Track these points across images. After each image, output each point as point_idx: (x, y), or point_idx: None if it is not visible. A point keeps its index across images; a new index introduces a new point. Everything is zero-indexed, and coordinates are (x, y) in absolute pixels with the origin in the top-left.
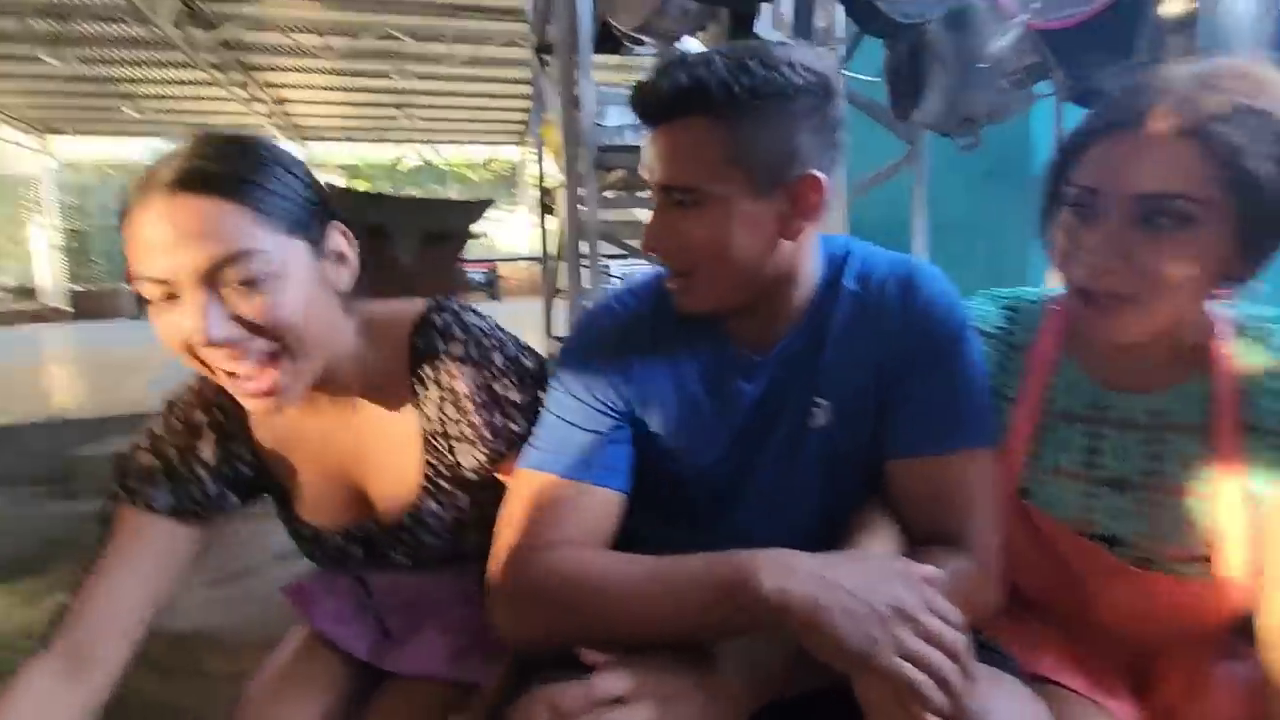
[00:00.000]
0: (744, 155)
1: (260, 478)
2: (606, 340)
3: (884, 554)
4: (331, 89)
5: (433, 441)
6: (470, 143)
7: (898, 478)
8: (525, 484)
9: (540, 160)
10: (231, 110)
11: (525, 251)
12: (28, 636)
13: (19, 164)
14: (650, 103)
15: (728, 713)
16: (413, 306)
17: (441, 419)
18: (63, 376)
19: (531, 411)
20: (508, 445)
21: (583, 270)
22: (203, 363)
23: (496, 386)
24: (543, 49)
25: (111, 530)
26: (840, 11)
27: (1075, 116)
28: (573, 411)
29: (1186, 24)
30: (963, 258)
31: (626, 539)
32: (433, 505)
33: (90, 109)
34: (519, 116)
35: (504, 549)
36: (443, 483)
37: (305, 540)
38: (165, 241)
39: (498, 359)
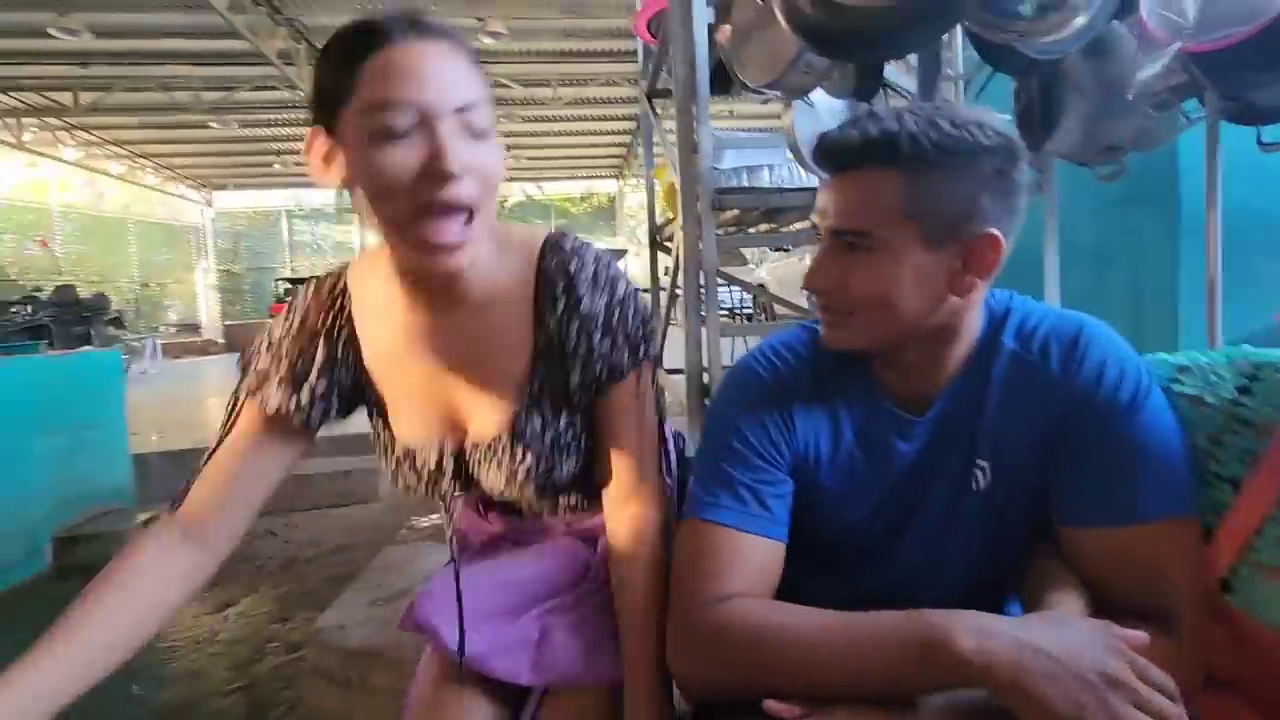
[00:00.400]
0: (923, 208)
1: (361, 388)
2: (767, 393)
3: (1082, 618)
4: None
5: (546, 355)
6: (570, 178)
7: (1074, 545)
8: (695, 534)
9: (650, 198)
10: None
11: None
12: (210, 640)
13: (186, 215)
14: (839, 152)
15: None
16: (541, 229)
17: (561, 336)
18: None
19: (641, 342)
20: (618, 371)
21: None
22: (411, 208)
23: (617, 312)
24: (654, 94)
25: (233, 419)
26: (961, 49)
27: (1233, 136)
28: (739, 463)
29: None
30: (1099, 289)
31: (794, 597)
32: (535, 421)
33: (246, 165)
34: (617, 151)
35: (679, 601)
36: (546, 399)
37: (399, 463)
38: (432, 74)
39: (622, 287)
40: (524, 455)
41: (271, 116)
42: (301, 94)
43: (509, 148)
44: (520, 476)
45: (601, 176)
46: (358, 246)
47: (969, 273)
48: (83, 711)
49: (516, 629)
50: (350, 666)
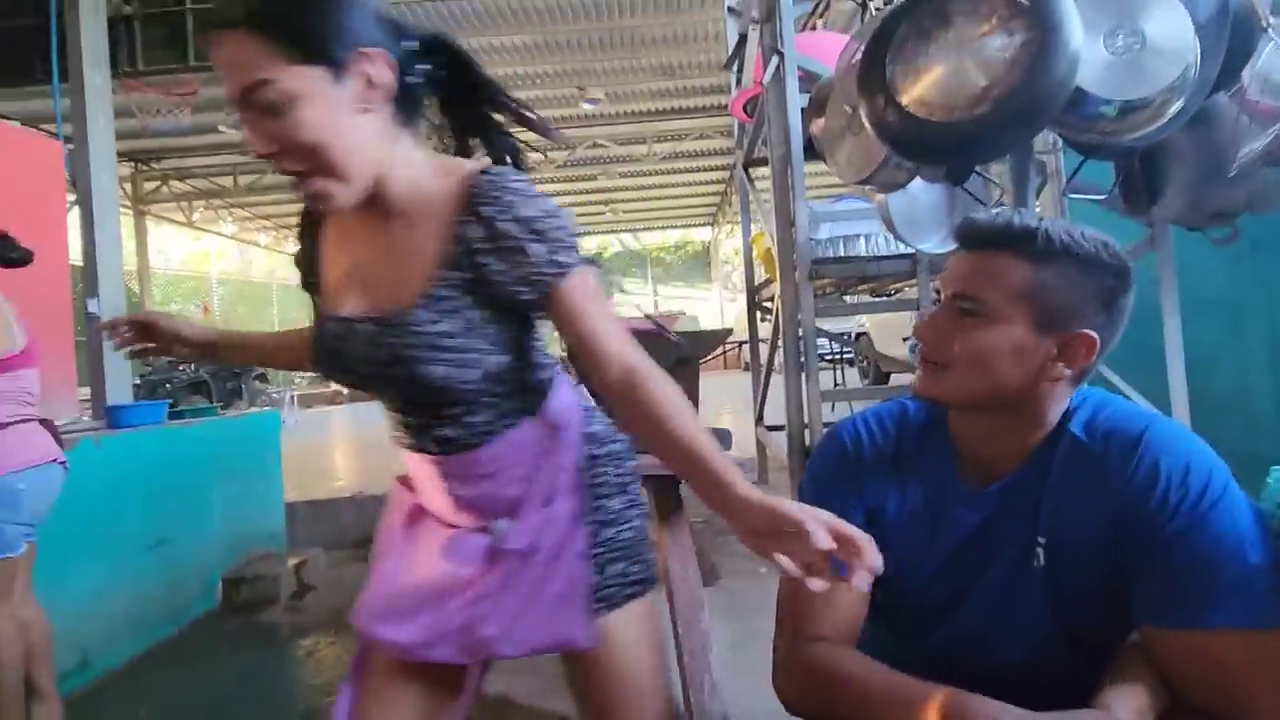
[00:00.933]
0: (1039, 296)
1: (317, 268)
2: (847, 458)
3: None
4: (551, 195)
5: (458, 261)
6: (665, 228)
7: (1148, 641)
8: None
9: (749, 259)
10: None
11: (719, 325)
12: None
13: None
14: (982, 233)
15: None
16: (482, 162)
17: (483, 243)
18: (353, 455)
19: (576, 247)
20: (563, 269)
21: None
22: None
23: (551, 222)
24: (750, 163)
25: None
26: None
27: None
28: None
29: None
30: (1229, 341)
31: (869, 647)
32: (421, 315)
33: None
34: (710, 201)
35: (782, 634)
36: (445, 300)
37: (316, 342)
38: (225, 67)
39: (551, 205)
40: (404, 338)
41: None
42: None
43: (607, 202)
44: (394, 358)
45: (695, 225)
46: None
47: (1061, 361)
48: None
49: (443, 619)
50: (485, 712)
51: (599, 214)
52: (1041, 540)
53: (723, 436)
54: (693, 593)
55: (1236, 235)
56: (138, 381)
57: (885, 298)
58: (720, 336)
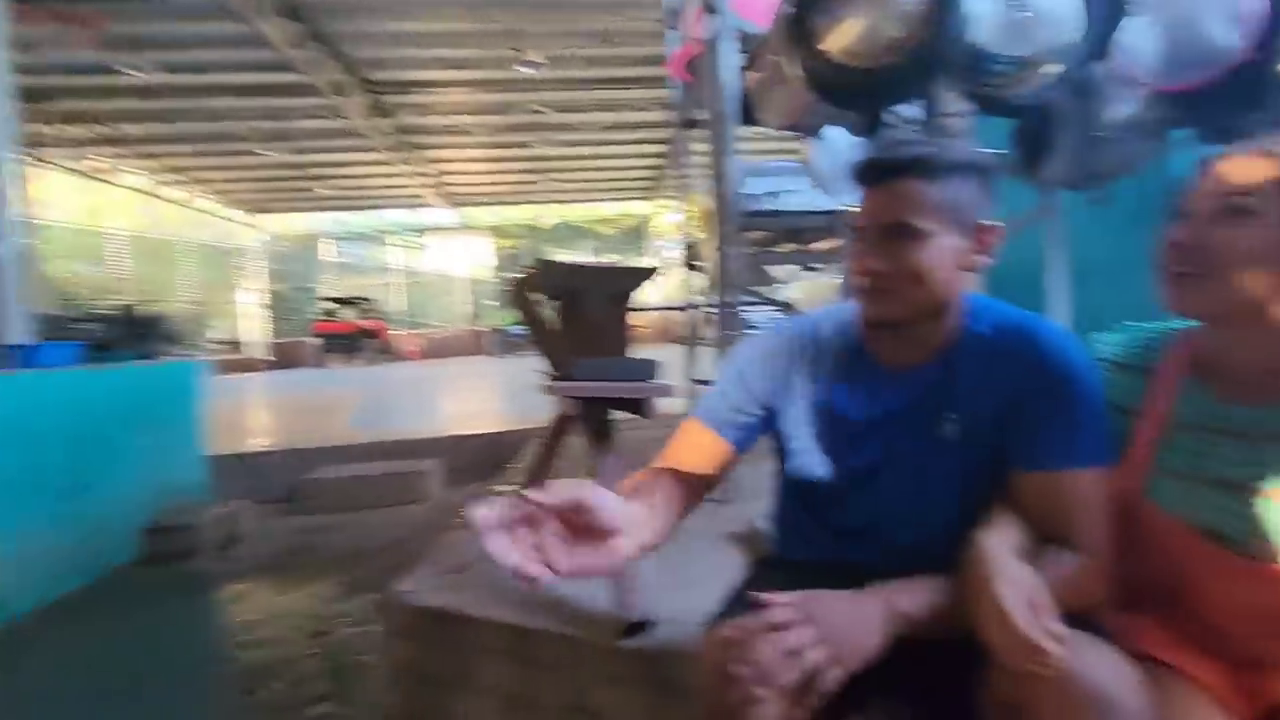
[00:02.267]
0: (950, 204)
1: None
2: (777, 345)
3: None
4: (482, 160)
5: None
6: (602, 200)
7: (1020, 490)
8: (684, 425)
9: (685, 221)
10: (400, 184)
11: (652, 301)
12: (286, 615)
13: (233, 238)
14: (878, 170)
15: (869, 644)
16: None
17: None
18: (279, 415)
19: None
20: None
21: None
22: None
23: None
24: (687, 125)
25: None
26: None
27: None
28: (730, 386)
29: None
30: (1107, 303)
31: (781, 527)
32: None
33: (292, 190)
34: (647, 174)
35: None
36: None
37: None
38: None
39: None
40: None
41: (318, 144)
42: (348, 121)
43: (543, 170)
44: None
45: (632, 198)
46: (394, 265)
47: (977, 252)
48: (177, 667)
49: None
50: (424, 623)
51: (532, 182)
52: (952, 415)
53: (646, 366)
54: None
55: (1108, 198)
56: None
57: (814, 258)
58: (647, 272)
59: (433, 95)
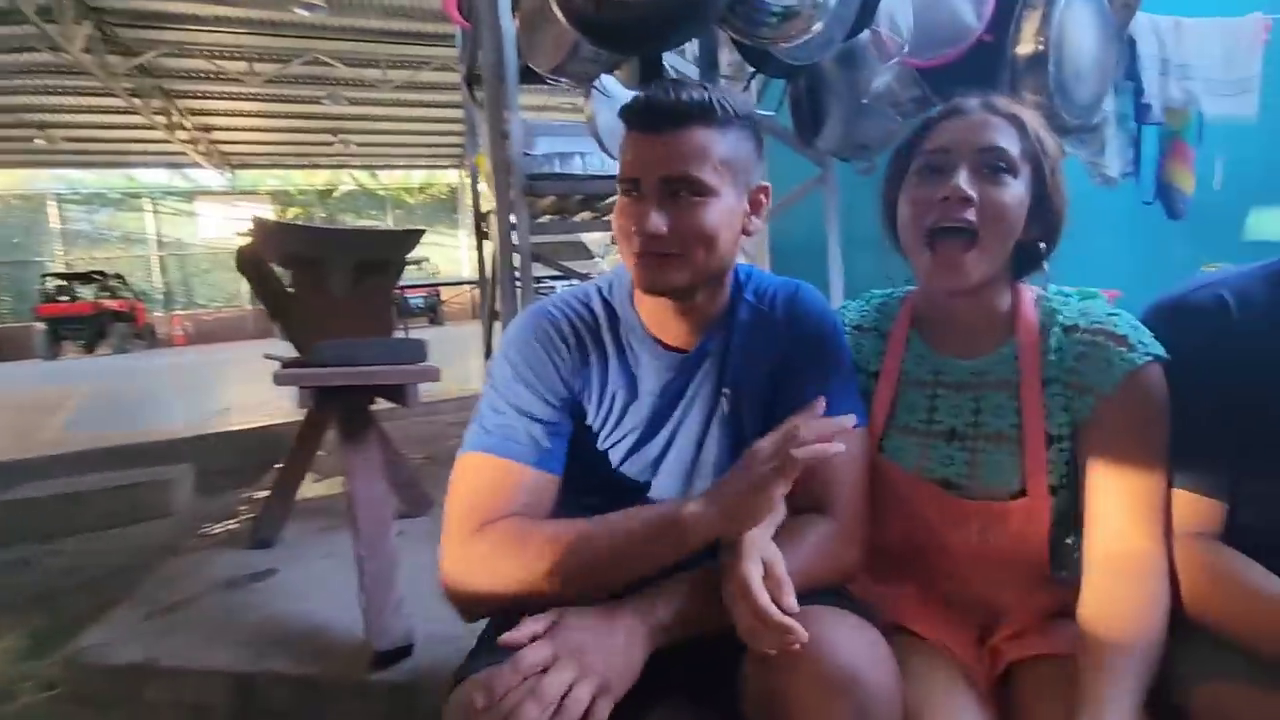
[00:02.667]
0: (731, 160)
1: None
2: (554, 335)
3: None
4: (260, 115)
5: None
6: (407, 167)
7: None
8: (475, 466)
9: (475, 186)
10: (152, 138)
11: (467, 275)
12: None
13: None
14: (664, 111)
15: (628, 659)
16: None
17: None
18: None
19: None
20: None
21: (517, 292)
22: None
23: None
24: (472, 79)
25: None
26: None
27: None
28: (522, 399)
29: (1037, 61)
30: (876, 273)
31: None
32: None
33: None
34: (457, 140)
35: (453, 525)
36: None
37: None
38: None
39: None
40: None
41: (33, 83)
42: (67, 56)
43: (335, 132)
44: None
45: (442, 166)
46: (152, 235)
47: (753, 215)
48: None
49: None
50: (115, 686)
51: (326, 144)
52: (726, 391)
53: (406, 347)
54: (379, 514)
55: (874, 168)
56: None
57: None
58: (414, 236)
59: (186, 32)
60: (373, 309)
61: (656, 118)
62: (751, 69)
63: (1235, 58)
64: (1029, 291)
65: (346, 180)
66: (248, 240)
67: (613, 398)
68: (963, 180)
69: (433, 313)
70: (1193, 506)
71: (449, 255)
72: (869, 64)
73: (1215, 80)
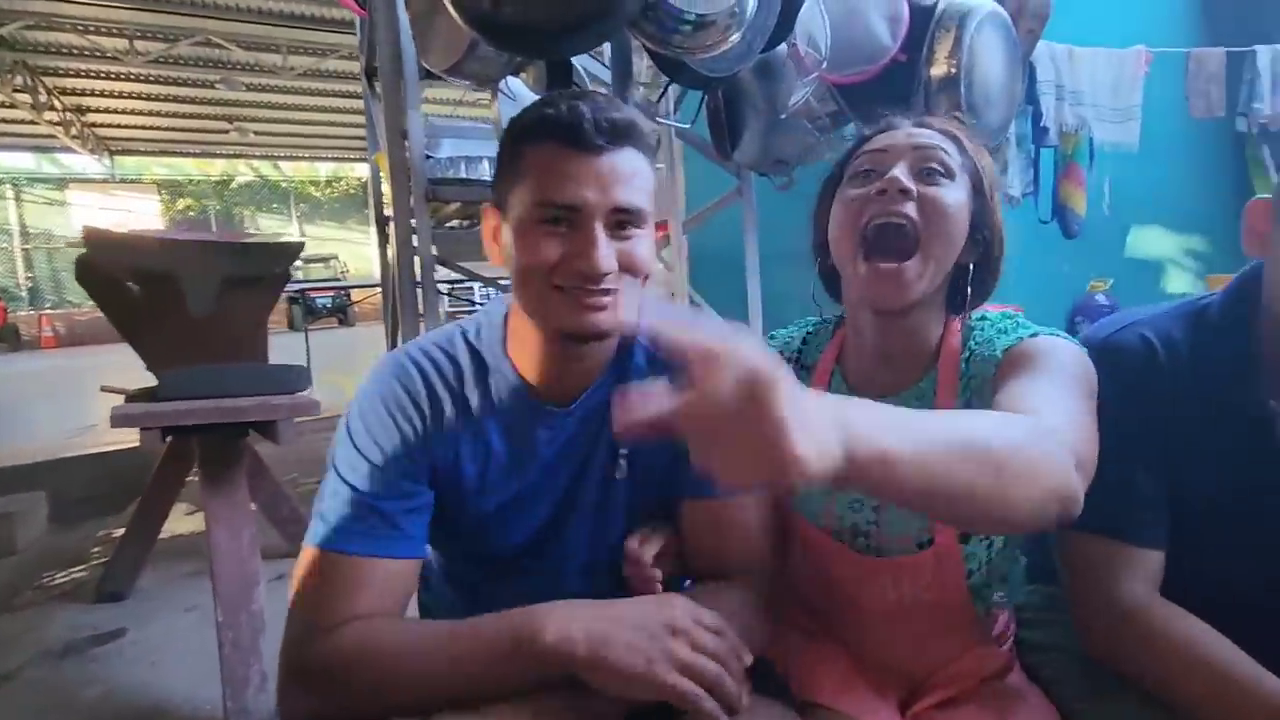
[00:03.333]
0: (653, 188)
1: None
2: (405, 396)
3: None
4: (143, 98)
5: None
6: (313, 159)
7: (689, 518)
8: (314, 562)
9: (377, 186)
10: (14, 119)
11: (377, 273)
12: None
13: None
14: (603, 130)
15: None
16: None
17: None
18: None
19: None
20: None
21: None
22: None
23: None
24: (371, 72)
25: None
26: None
27: None
28: (365, 479)
29: (949, 83)
30: (793, 288)
31: (450, 586)
32: None
33: None
34: (365, 133)
35: (292, 632)
36: None
37: None
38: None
39: None
40: None
41: None
42: None
43: (231, 119)
44: None
45: (353, 159)
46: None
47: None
48: None
49: None
50: None
51: (221, 132)
52: (624, 452)
53: (287, 373)
54: (243, 569)
55: (792, 182)
56: None
57: None
58: (292, 249)
59: (52, 2)
60: (242, 330)
61: (600, 135)
62: (667, 78)
63: (1121, 87)
64: (957, 323)
65: (245, 171)
66: (87, 249)
67: (484, 463)
68: (900, 173)
69: (342, 313)
70: (1128, 557)
71: (360, 253)
72: (787, 78)
73: (1103, 107)
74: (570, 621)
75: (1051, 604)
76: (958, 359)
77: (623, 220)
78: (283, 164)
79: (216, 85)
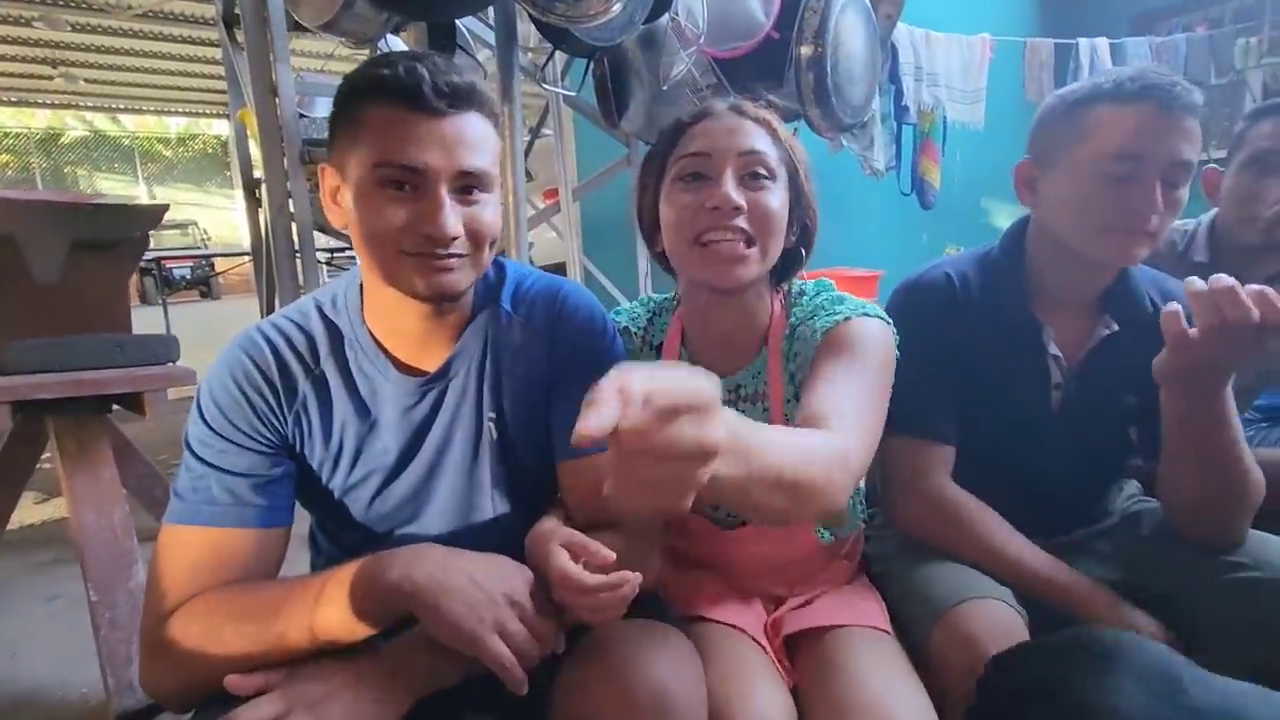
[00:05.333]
0: (497, 153)
1: None
2: (254, 368)
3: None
4: None
5: None
6: (161, 112)
7: (566, 477)
8: (170, 541)
9: (243, 145)
10: None
11: (245, 241)
12: None
13: None
14: (446, 93)
15: (383, 708)
16: None
17: None
18: None
19: None
20: None
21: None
22: None
23: None
24: (231, 19)
25: None
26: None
27: None
28: (217, 453)
29: (816, 62)
30: None
31: (337, 550)
32: None
33: None
34: (224, 84)
35: (146, 613)
36: None
37: None
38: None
39: None
40: None
41: None
42: None
43: (54, 63)
44: None
45: (210, 115)
46: None
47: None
48: None
49: None
50: None
51: (44, 78)
52: (491, 415)
53: (154, 344)
54: (117, 548)
55: None
56: None
57: None
58: (154, 214)
59: None
60: (97, 299)
61: (441, 98)
62: (551, 44)
63: (969, 71)
64: (780, 296)
65: (76, 124)
66: None
67: (341, 433)
68: (730, 189)
69: (205, 285)
70: (930, 452)
71: (222, 219)
72: (669, 49)
73: (955, 89)
74: (418, 564)
75: (890, 521)
76: (783, 336)
77: (469, 184)
78: (124, 118)
79: (34, 23)
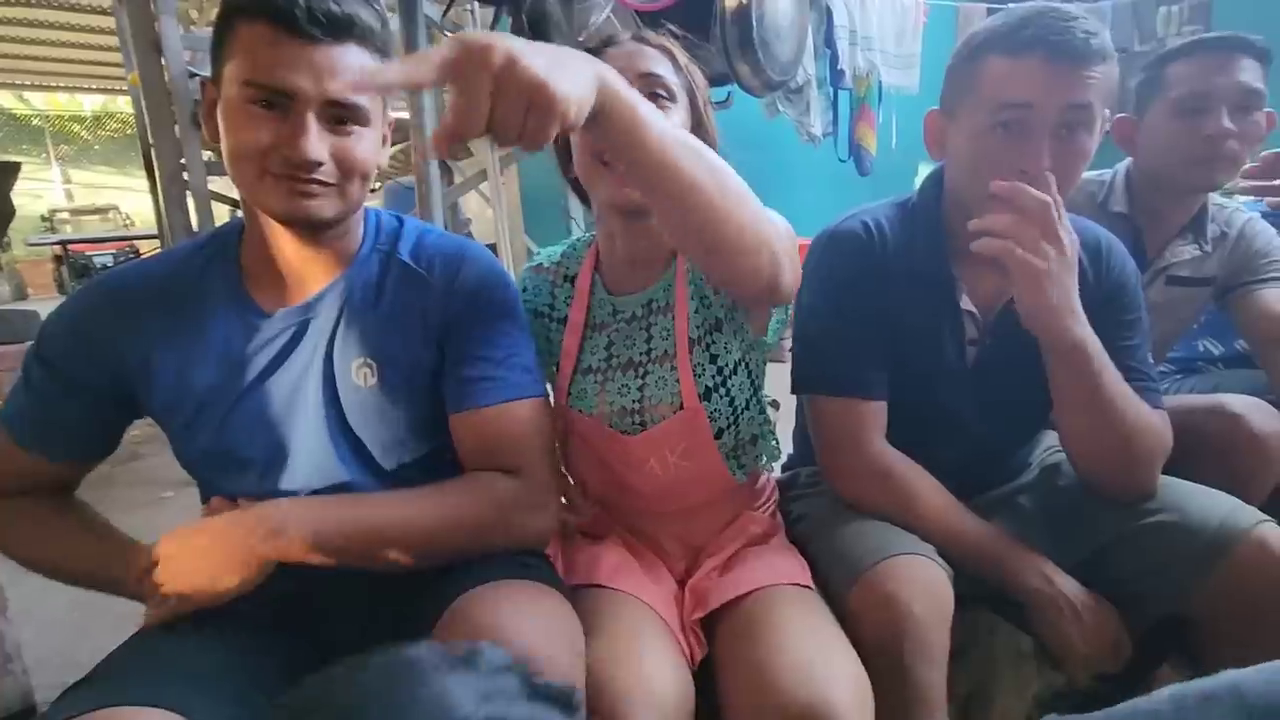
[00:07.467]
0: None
1: None
2: (97, 306)
3: None
4: None
5: None
6: (70, 89)
7: (458, 431)
8: None
9: (140, 114)
10: None
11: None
12: None
13: None
14: (314, 19)
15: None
16: None
17: None
18: None
19: None
20: None
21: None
22: None
23: None
24: None
25: None
26: None
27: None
28: (44, 383)
29: (741, 15)
30: None
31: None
32: None
33: None
34: None
35: None
36: None
37: None
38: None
39: None
40: None
41: None
42: None
43: None
44: None
45: (121, 90)
46: None
47: (385, 146)
48: None
49: None
50: None
51: None
52: (370, 361)
53: (18, 319)
54: None
55: None
56: None
57: None
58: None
59: None
60: None
61: (314, 24)
62: None
63: (904, 35)
64: None
65: None
66: None
67: (186, 368)
68: None
69: None
70: (861, 411)
71: (145, 202)
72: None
73: (889, 54)
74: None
75: (815, 481)
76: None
77: (341, 115)
78: (30, 95)
79: None
